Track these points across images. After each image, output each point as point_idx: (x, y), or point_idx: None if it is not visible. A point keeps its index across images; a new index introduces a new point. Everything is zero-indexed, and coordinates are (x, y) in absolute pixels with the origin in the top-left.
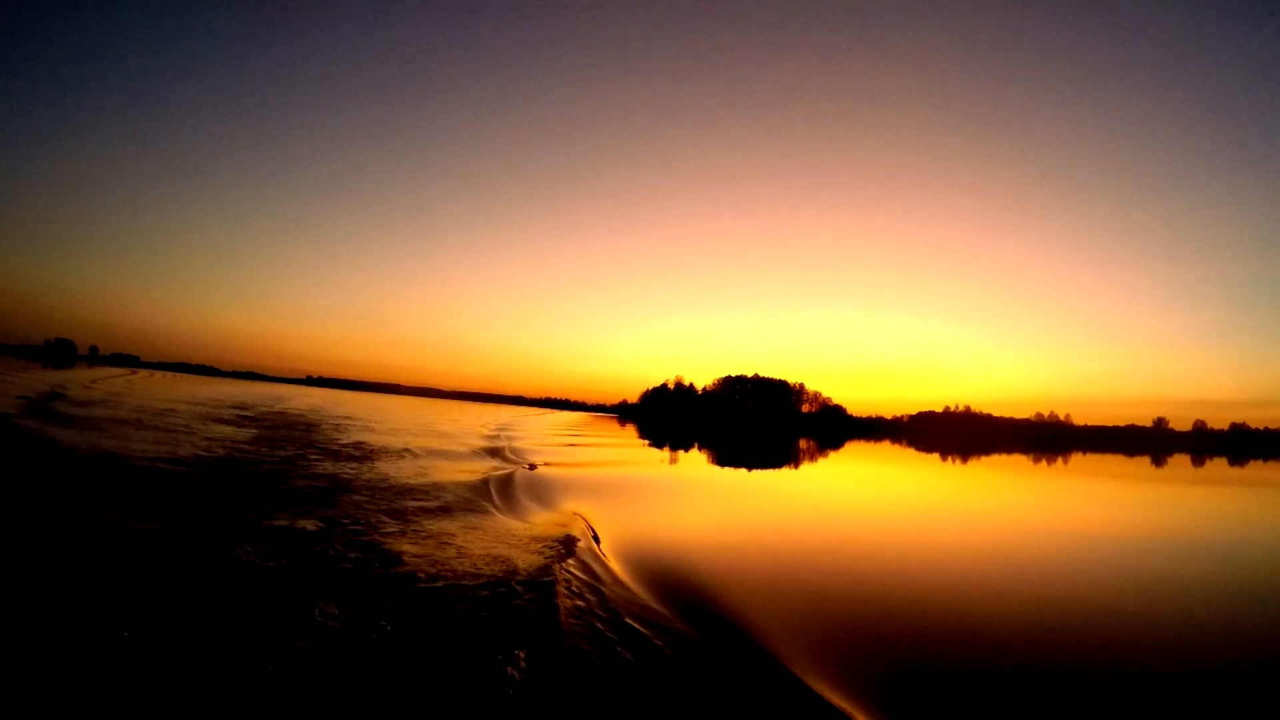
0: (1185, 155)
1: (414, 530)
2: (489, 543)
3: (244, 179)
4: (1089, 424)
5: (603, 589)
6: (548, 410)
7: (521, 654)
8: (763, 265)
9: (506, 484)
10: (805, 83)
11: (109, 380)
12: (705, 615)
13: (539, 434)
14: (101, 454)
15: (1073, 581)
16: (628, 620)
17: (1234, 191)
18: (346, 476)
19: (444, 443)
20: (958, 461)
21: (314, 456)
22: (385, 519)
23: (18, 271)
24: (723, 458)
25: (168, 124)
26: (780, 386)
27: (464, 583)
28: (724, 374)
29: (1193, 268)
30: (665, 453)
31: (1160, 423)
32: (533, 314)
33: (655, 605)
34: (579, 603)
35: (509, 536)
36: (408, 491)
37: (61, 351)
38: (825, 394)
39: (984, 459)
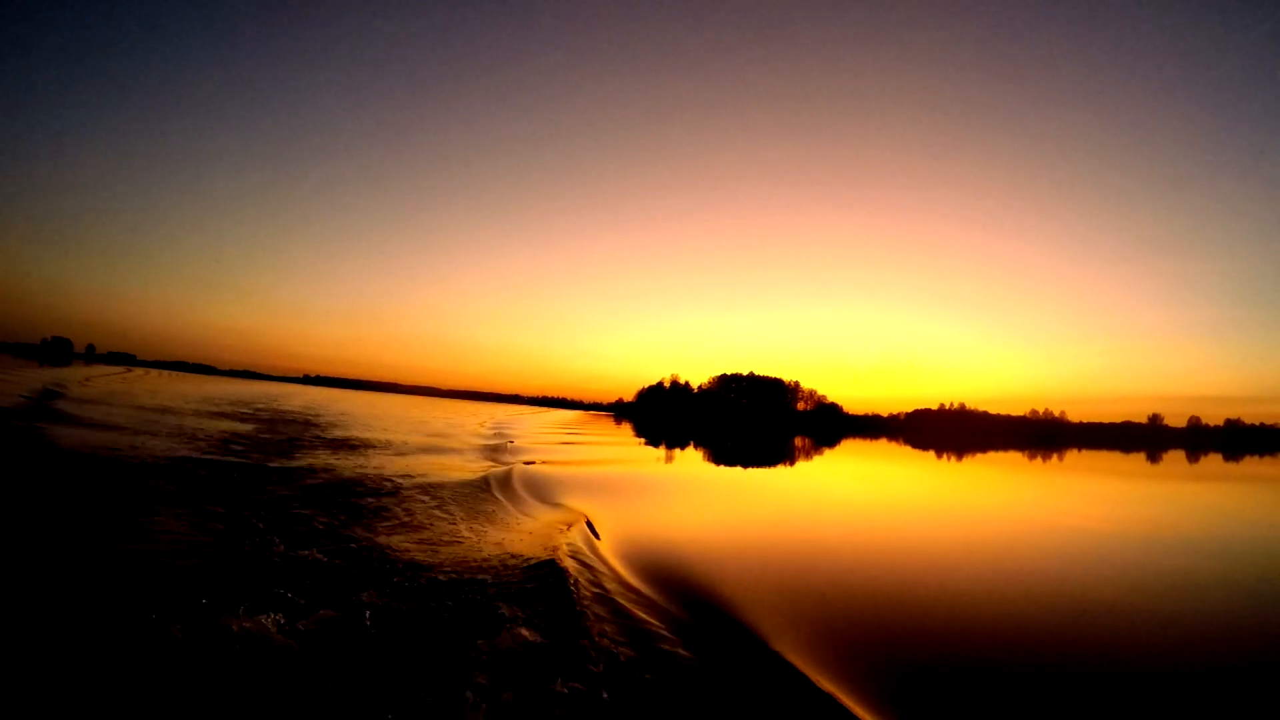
0: (1181, 151)
1: (421, 525)
2: (497, 537)
3: (242, 178)
4: (1084, 420)
5: (604, 582)
6: (544, 409)
7: (527, 632)
8: (758, 264)
9: (505, 481)
10: (800, 82)
11: (102, 379)
12: (702, 606)
13: (535, 432)
14: (95, 454)
15: (1070, 577)
16: (631, 608)
17: (1229, 187)
18: (347, 476)
19: (442, 441)
20: (953, 459)
21: (312, 453)
22: (389, 517)
23: (15, 270)
24: (718, 456)
25: (167, 123)
26: (776, 385)
27: (477, 576)
28: (719, 372)
29: (1188, 264)
30: (661, 451)
31: (1155, 419)
32: (530, 312)
33: (653, 595)
34: (586, 591)
35: (512, 531)
36: (411, 490)
37: (58, 350)
38: (821, 392)
39: (979, 456)
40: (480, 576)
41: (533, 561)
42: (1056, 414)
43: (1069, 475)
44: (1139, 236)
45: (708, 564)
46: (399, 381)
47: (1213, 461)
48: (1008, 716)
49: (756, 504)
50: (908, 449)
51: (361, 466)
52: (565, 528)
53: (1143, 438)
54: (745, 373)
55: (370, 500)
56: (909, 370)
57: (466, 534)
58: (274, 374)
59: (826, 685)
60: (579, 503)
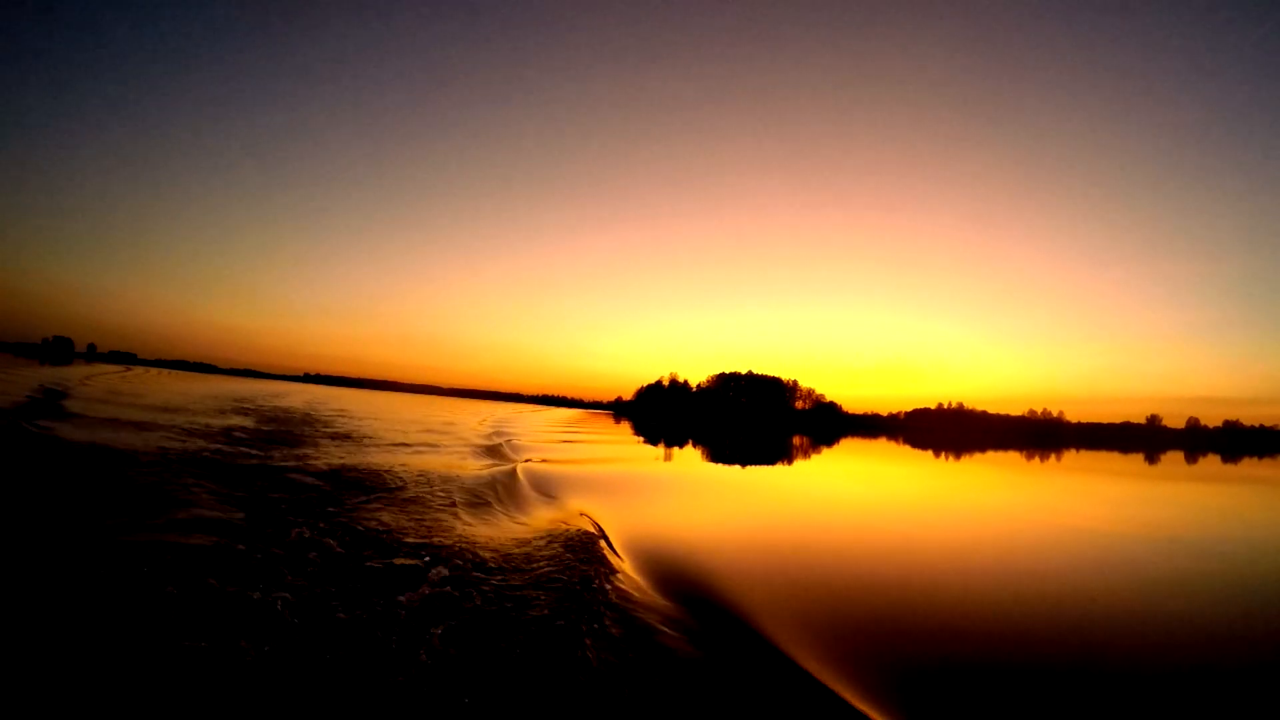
0: (1179, 152)
1: (429, 524)
2: (508, 533)
3: (242, 177)
4: (1083, 421)
5: (616, 579)
6: (544, 407)
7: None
8: (757, 263)
9: (509, 480)
10: (799, 80)
11: (102, 378)
12: (704, 604)
13: (536, 430)
14: (93, 451)
15: (1070, 578)
16: (637, 609)
17: (1228, 188)
18: (348, 477)
19: (444, 439)
20: (951, 458)
21: (315, 449)
22: (395, 516)
23: (16, 270)
24: (717, 454)
25: (165, 123)
26: (774, 383)
27: (491, 576)
28: (718, 371)
29: (1188, 265)
30: (660, 449)
31: (1154, 420)
32: (530, 311)
33: (655, 592)
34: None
35: (519, 529)
36: (416, 489)
37: (59, 349)
38: (819, 391)
39: (978, 456)
40: (493, 580)
41: (550, 557)
42: (1055, 414)
43: (1068, 476)
44: (1139, 237)
45: (710, 561)
46: (399, 380)
47: (1211, 463)
48: (1010, 716)
49: (756, 502)
50: (907, 448)
51: (364, 463)
52: (574, 525)
53: (1141, 439)
54: (744, 371)
55: (377, 498)
56: (908, 370)
57: (475, 536)
58: (274, 373)
59: (827, 681)
60: (582, 502)
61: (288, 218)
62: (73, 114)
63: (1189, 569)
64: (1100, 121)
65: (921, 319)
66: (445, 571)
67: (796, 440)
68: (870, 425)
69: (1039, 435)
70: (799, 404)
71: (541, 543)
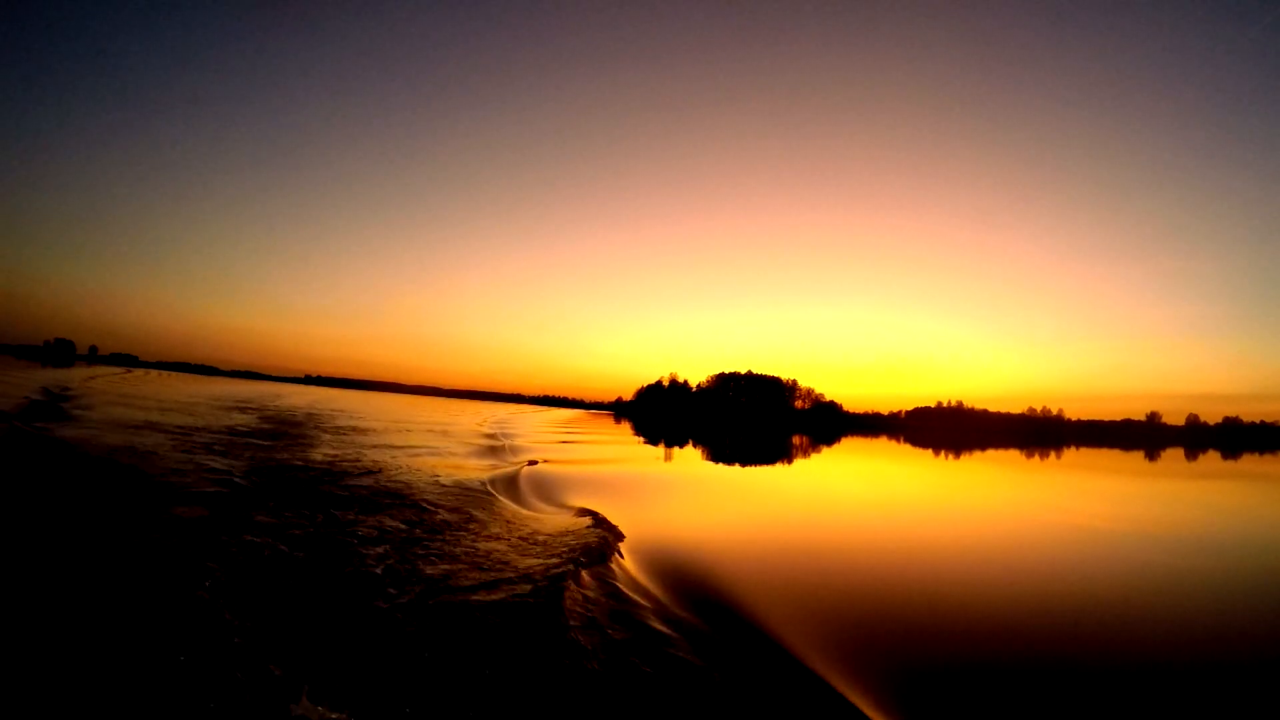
0: (1179, 149)
1: (441, 527)
2: (516, 534)
3: (244, 178)
4: (1083, 418)
5: (618, 585)
6: (545, 408)
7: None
8: (757, 262)
9: (513, 481)
10: (799, 80)
11: (102, 380)
12: (706, 603)
13: (537, 431)
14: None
15: (1075, 575)
16: (643, 615)
17: (1228, 185)
18: (352, 478)
19: (447, 441)
20: (952, 457)
21: (316, 449)
22: (402, 516)
23: (18, 271)
24: (717, 454)
25: (168, 123)
26: (774, 383)
27: (504, 575)
28: (718, 371)
29: (1187, 262)
30: (660, 449)
31: (1154, 417)
32: (530, 312)
33: (658, 593)
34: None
35: (526, 528)
36: (420, 488)
37: (61, 351)
38: (819, 390)
39: (979, 454)
40: (502, 577)
41: (545, 562)
42: (1055, 412)
43: (1068, 474)
44: (1138, 234)
45: (711, 560)
46: (400, 381)
47: (1211, 459)
48: (1011, 715)
49: (756, 502)
50: (908, 447)
51: (364, 466)
52: (580, 525)
53: (1141, 436)
54: (744, 371)
55: (379, 497)
56: (908, 368)
57: (481, 544)
58: (276, 374)
59: (833, 680)
60: (585, 502)
61: (289, 219)
62: (73, 116)
63: (1190, 566)
64: (1099, 118)
65: (921, 318)
66: (445, 568)
67: (796, 440)
68: (871, 424)
69: (1039, 433)
70: (799, 403)
71: (540, 545)
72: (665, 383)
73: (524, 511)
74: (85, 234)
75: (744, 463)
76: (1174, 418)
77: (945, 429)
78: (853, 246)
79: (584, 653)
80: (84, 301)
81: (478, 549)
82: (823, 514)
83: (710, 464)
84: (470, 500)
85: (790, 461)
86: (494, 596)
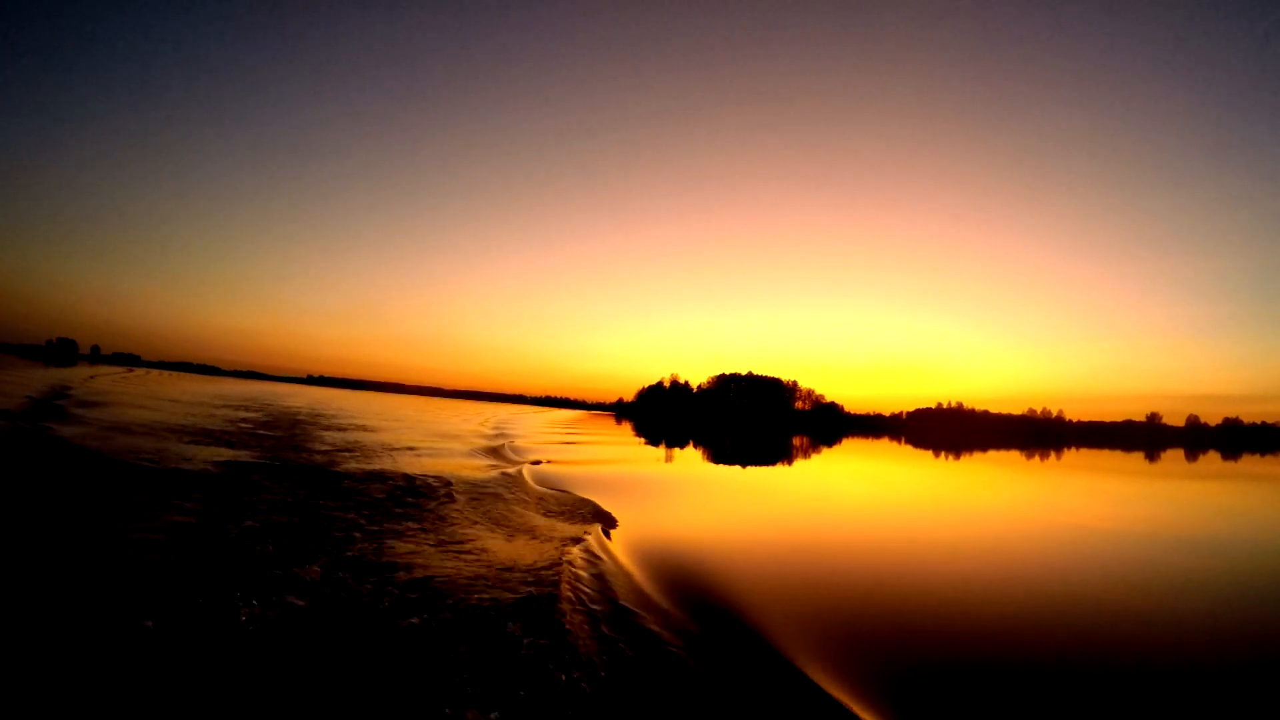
0: (1180, 150)
1: (443, 524)
2: (520, 531)
3: (246, 178)
4: (1083, 419)
5: (613, 583)
6: (546, 408)
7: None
8: (758, 264)
9: (516, 480)
10: (799, 81)
11: (104, 379)
12: (702, 605)
13: (538, 431)
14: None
15: (1075, 576)
16: (634, 610)
17: (1228, 186)
18: (354, 482)
19: (450, 442)
20: (952, 458)
21: (315, 452)
22: (408, 517)
23: (20, 271)
24: (718, 455)
25: (169, 123)
26: (774, 384)
27: (509, 572)
28: (719, 372)
29: (1187, 263)
30: (661, 450)
31: (1154, 418)
32: (532, 313)
33: (654, 593)
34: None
35: (533, 527)
36: (423, 487)
37: (63, 351)
38: (819, 391)
39: (979, 455)
40: (507, 576)
41: (544, 562)
42: (1055, 413)
43: (1068, 474)
44: (1139, 235)
45: (710, 560)
46: (402, 381)
47: (1211, 460)
48: (1009, 716)
49: (756, 502)
50: (908, 448)
51: (363, 468)
52: (586, 526)
53: (1141, 436)
54: (744, 372)
55: (385, 498)
56: (909, 370)
57: (488, 544)
58: (277, 374)
59: (827, 686)
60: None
61: (292, 220)
62: (78, 116)
63: (1191, 567)
64: (1099, 119)
65: (922, 318)
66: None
67: (797, 441)
68: (872, 425)
69: (1039, 434)
70: (799, 404)
71: (539, 547)
72: (666, 384)
73: (529, 512)
74: (87, 234)
75: (744, 464)
76: (1174, 419)
77: (946, 430)
78: (853, 247)
79: (579, 637)
80: (86, 301)
81: (483, 546)
82: (822, 514)
83: (710, 465)
84: (478, 498)
85: (790, 463)
86: (493, 596)
